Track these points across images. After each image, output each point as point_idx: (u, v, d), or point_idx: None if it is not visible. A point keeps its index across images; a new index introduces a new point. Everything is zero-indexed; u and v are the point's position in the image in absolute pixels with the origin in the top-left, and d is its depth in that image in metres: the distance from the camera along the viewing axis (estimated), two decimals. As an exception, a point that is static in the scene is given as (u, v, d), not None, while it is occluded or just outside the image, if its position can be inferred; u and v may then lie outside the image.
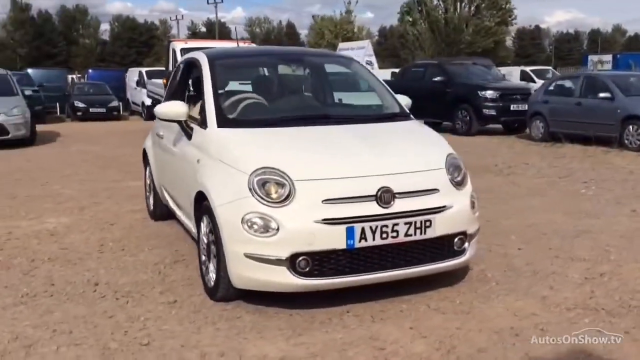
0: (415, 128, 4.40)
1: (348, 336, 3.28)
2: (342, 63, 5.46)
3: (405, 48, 39.28)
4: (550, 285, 4.00)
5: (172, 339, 3.26)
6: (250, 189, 3.43)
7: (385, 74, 21.90)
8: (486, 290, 3.93)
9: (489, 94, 14.30)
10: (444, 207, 3.64)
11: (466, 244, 3.80)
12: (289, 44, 71.45)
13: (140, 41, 74.97)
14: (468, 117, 14.45)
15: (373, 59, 24.37)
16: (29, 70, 24.05)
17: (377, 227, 3.43)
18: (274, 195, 3.42)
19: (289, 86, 5.09)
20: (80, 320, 3.51)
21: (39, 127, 14.41)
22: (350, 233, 3.38)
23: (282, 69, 5.17)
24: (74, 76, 36.47)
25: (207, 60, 4.59)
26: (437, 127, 14.73)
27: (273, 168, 3.49)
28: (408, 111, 4.62)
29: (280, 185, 3.44)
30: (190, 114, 4.43)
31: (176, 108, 4.36)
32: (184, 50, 13.30)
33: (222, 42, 14.96)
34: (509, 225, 5.58)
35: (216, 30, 60.67)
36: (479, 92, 14.32)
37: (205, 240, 3.88)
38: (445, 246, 3.71)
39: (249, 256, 3.41)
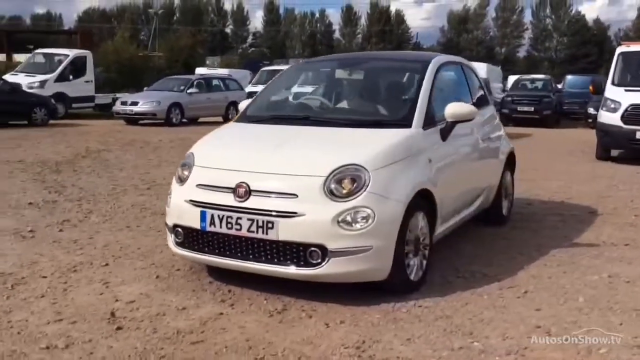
0: (368, 136, 4.18)
1: (225, 310, 3.63)
2: (405, 68, 5.24)
3: None
4: (410, 337, 3.32)
5: (109, 272, 4.31)
6: (178, 169, 4.25)
7: None
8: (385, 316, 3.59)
9: None
10: (293, 213, 3.58)
11: (326, 259, 3.57)
12: None
13: None
14: None
15: None
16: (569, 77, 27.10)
17: (223, 216, 3.74)
18: (182, 176, 4.14)
19: (333, 90, 5.35)
20: (104, 244, 4.95)
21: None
22: (203, 216, 3.82)
23: (340, 74, 5.47)
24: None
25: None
26: None
27: (192, 154, 4.23)
28: (411, 118, 4.29)
29: (190, 168, 4.11)
30: None
31: (243, 105, 5.20)
32: (622, 55, 11.59)
33: None
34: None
35: None
36: None
37: None
38: (296, 254, 3.64)
39: (165, 223, 4.29)
